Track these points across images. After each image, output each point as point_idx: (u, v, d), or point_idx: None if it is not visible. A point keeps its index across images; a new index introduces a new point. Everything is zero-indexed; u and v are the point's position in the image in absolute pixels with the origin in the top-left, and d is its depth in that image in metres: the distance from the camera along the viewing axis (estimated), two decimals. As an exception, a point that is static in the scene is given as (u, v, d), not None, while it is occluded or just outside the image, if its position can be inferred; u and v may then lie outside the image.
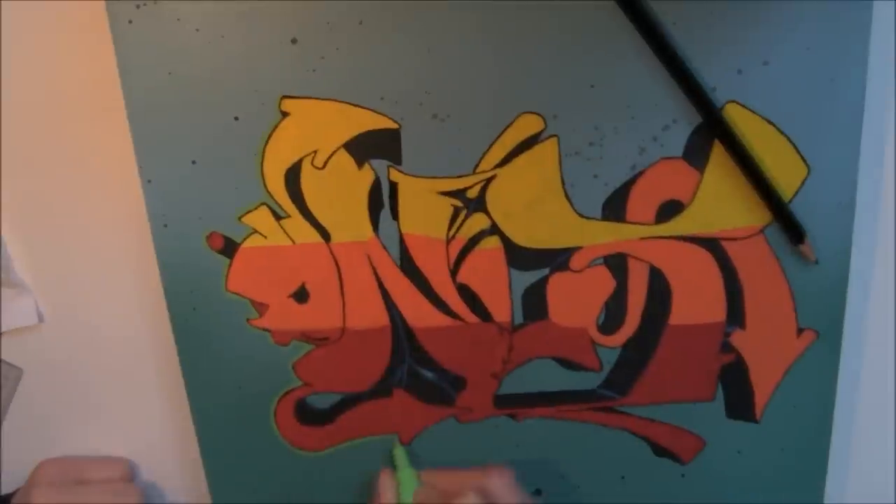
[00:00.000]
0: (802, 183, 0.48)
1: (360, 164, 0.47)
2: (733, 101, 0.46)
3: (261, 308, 0.49)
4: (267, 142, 0.46)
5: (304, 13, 0.45)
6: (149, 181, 0.47)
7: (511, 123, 0.46)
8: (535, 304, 0.50)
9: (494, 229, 0.48)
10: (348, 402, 0.52)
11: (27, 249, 0.51)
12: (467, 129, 0.46)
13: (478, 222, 0.48)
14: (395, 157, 0.47)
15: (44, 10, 0.47)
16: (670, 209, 0.48)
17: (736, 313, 0.50)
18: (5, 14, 0.47)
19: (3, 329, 0.51)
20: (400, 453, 0.52)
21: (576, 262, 0.49)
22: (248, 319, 0.50)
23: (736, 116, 0.46)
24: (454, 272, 0.49)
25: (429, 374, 0.51)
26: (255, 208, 0.48)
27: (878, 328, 0.53)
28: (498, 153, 0.47)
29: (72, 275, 0.51)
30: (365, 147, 0.47)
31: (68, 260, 0.51)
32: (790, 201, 0.48)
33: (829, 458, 0.53)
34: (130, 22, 0.44)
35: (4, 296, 0.51)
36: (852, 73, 0.46)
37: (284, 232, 0.48)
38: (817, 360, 0.51)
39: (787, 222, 0.47)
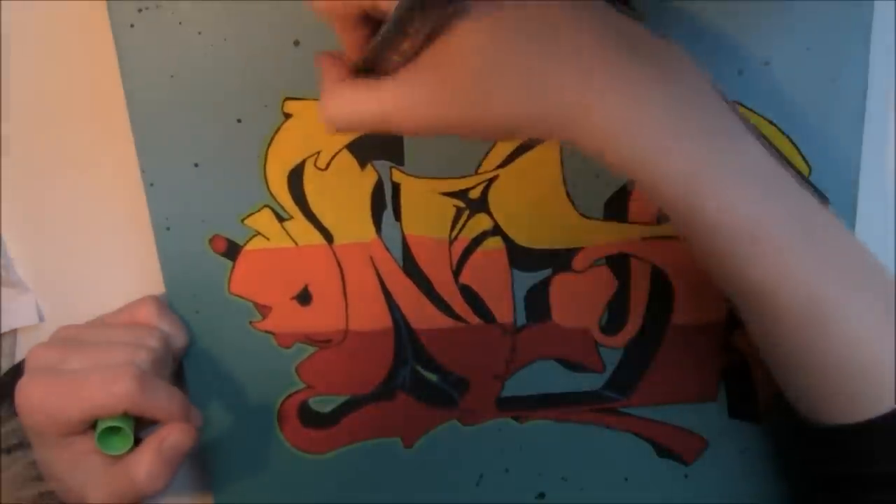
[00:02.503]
0: (804, 182, 0.48)
1: (362, 164, 0.47)
2: (734, 102, 0.46)
3: (264, 310, 0.49)
4: (270, 144, 0.47)
5: (306, 15, 0.45)
6: (151, 184, 0.47)
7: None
8: (537, 304, 0.50)
9: (497, 230, 0.48)
10: (351, 404, 0.51)
11: (27, 249, 0.51)
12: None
13: (480, 223, 0.48)
14: (397, 158, 0.47)
15: (45, 12, 0.47)
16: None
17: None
18: (6, 16, 0.47)
19: (4, 329, 0.51)
20: None
21: (578, 262, 0.49)
22: (250, 322, 0.50)
23: (737, 116, 0.46)
24: (457, 273, 0.49)
25: (432, 377, 0.51)
26: (258, 210, 0.48)
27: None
28: (500, 154, 0.47)
29: (72, 275, 0.51)
30: (367, 148, 0.47)
31: (68, 260, 0.51)
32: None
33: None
34: (132, 25, 0.45)
35: (4, 296, 0.51)
36: (853, 73, 0.46)
37: (287, 234, 0.48)
38: (820, 360, 0.51)
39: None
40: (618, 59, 0.34)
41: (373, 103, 0.35)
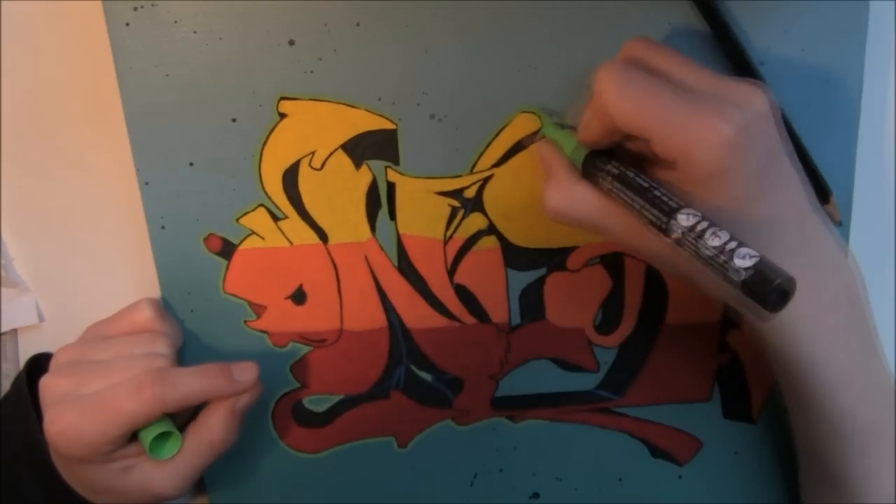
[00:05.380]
0: (798, 183, 0.48)
1: (357, 164, 0.47)
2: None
3: (258, 310, 0.49)
4: (264, 143, 0.47)
5: (301, 14, 0.45)
6: (146, 183, 0.47)
7: (508, 123, 0.46)
8: (532, 304, 0.50)
9: (491, 229, 0.48)
10: (346, 404, 0.52)
11: (27, 249, 0.51)
12: (464, 129, 0.46)
13: (475, 222, 0.48)
14: (392, 158, 0.47)
15: (40, 10, 0.47)
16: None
17: (733, 313, 0.50)
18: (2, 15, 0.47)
19: (4, 329, 0.51)
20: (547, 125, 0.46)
21: (573, 261, 0.49)
22: (245, 321, 0.50)
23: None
24: (451, 273, 0.49)
25: (426, 376, 0.51)
26: (253, 210, 0.48)
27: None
28: (495, 153, 0.47)
29: (72, 275, 0.51)
30: (362, 148, 0.47)
31: (68, 260, 0.51)
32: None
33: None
34: (128, 24, 0.45)
35: (4, 296, 0.51)
36: (848, 73, 0.46)
37: (282, 233, 0.48)
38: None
39: (813, 181, 0.47)
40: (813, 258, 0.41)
41: (597, 214, 0.41)
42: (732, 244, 0.34)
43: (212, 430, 0.45)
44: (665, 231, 0.37)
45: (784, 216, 0.39)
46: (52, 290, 0.52)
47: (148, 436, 0.43)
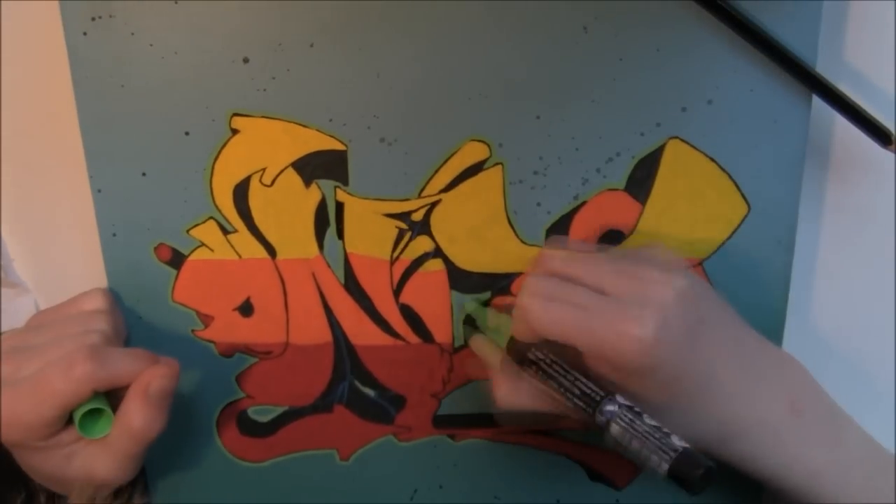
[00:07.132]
0: (742, 220, 0.49)
1: (307, 183, 0.48)
2: (676, 138, 0.47)
3: (206, 320, 0.50)
4: (216, 157, 0.47)
5: (256, 33, 0.45)
6: (99, 191, 0.48)
7: (457, 150, 0.47)
8: (476, 326, 0.50)
9: (438, 252, 0.49)
10: (290, 415, 0.52)
11: (27, 249, 0.51)
12: (414, 153, 0.47)
13: (421, 245, 0.49)
14: (342, 178, 0.47)
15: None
16: (611, 239, 0.49)
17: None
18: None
19: (3, 329, 0.51)
20: (472, 309, 0.50)
21: (517, 287, 0.50)
22: (193, 330, 0.50)
23: (678, 152, 0.47)
24: (397, 293, 0.50)
25: (369, 392, 0.52)
26: (203, 222, 0.48)
27: (814, 362, 0.54)
28: (444, 178, 0.48)
29: (71, 275, 0.51)
30: (312, 167, 0.47)
31: (68, 260, 0.51)
32: (730, 237, 0.49)
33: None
34: (85, 34, 0.45)
35: (4, 296, 0.51)
36: (795, 114, 0.47)
37: (231, 246, 0.49)
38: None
39: (869, 127, 0.45)
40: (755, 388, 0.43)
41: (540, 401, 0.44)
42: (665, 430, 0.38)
43: (130, 416, 0.44)
44: (593, 414, 0.40)
45: (716, 362, 0.42)
46: (51, 290, 0.52)
47: (78, 413, 0.43)
